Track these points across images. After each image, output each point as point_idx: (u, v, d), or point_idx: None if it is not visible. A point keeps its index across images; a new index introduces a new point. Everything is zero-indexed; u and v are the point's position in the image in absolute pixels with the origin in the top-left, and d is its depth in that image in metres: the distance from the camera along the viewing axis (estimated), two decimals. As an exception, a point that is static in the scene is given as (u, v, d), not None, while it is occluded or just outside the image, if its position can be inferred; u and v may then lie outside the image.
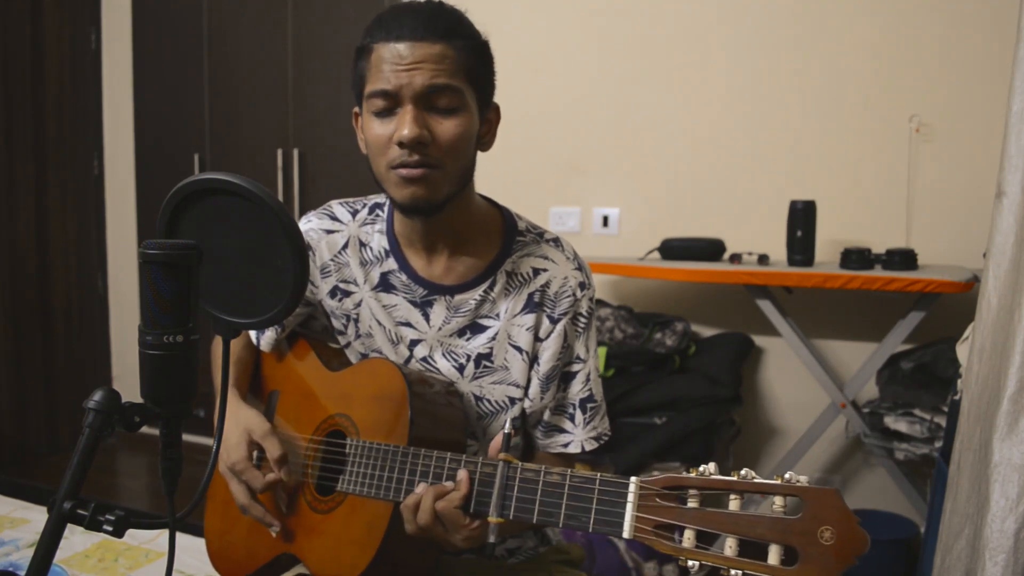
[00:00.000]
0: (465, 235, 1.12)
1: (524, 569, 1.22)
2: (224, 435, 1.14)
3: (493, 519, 0.89)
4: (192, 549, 1.69)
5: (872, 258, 2.22)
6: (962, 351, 1.48)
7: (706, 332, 2.68)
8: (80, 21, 3.64)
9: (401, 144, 0.99)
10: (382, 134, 1.02)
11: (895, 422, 2.21)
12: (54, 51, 3.54)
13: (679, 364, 2.47)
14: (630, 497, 0.80)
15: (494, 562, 1.21)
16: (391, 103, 1.01)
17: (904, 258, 2.18)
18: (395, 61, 0.99)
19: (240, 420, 1.14)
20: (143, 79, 3.67)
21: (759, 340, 2.64)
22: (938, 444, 2.11)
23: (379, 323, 1.16)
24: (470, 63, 1.03)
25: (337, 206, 1.21)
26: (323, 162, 3.33)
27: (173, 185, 0.75)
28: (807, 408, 2.53)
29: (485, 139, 1.10)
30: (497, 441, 0.94)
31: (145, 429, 0.72)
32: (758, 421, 2.68)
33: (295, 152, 3.34)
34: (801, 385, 2.57)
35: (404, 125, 0.99)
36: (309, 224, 1.19)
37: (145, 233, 3.72)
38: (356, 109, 1.10)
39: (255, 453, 1.13)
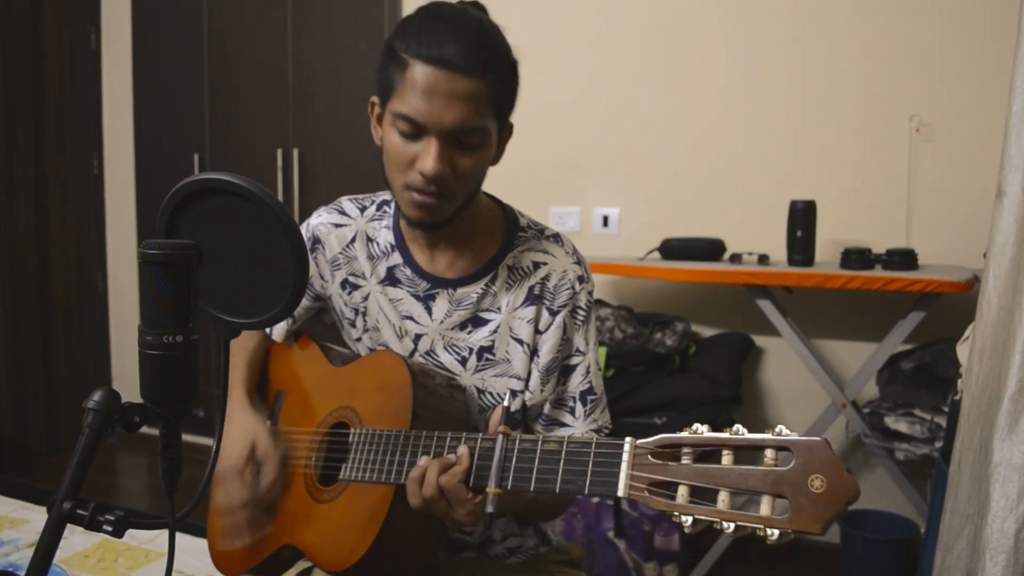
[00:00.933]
0: (468, 231, 1.14)
1: (524, 569, 1.22)
2: (228, 437, 1.15)
3: (492, 490, 0.89)
4: (192, 549, 1.69)
5: (872, 258, 2.22)
6: (962, 351, 1.48)
7: (706, 332, 2.68)
8: (80, 21, 3.64)
9: (422, 174, 1.00)
10: (404, 154, 1.02)
11: (895, 422, 2.21)
12: (54, 51, 3.54)
13: (679, 364, 2.47)
14: (625, 456, 0.81)
15: (494, 562, 1.22)
16: (417, 131, 1.00)
17: (904, 258, 2.18)
18: (429, 90, 0.97)
19: (248, 431, 1.15)
20: (143, 79, 3.67)
21: (759, 340, 2.64)
22: (938, 444, 2.11)
23: (386, 317, 1.17)
24: (499, 95, 1.02)
25: (346, 202, 1.23)
26: (323, 162, 3.33)
27: (173, 185, 0.75)
28: (807, 408, 2.53)
29: (496, 157, 1.12)
30: (497, 415, 0.95)
31: (145, 429, 0.72)
32: (758, 421, 2.68)
33: (295, 152, 3.34)
34: (801, 385, 2.57)
35: (428, 158, 0.99)
36: (319, 219, 1.22)
37: (145, 233, 3.72)
38: (374, 99, 1.08)
39: (250, 468, 1.14)
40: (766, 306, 2.32)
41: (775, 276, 2.25)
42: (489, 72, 0.99)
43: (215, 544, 1.25)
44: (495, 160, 1.12)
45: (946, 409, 2.11)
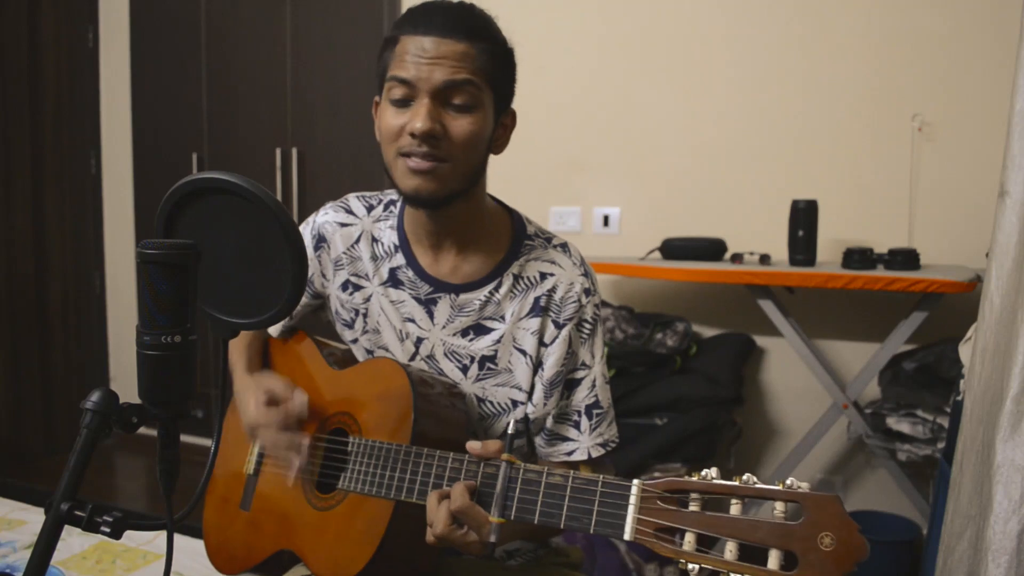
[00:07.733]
0: (472, 234, 1.13)
1: (524, 571, 1.21)
2: (241, 399, 1.15)
3: (494, 519, 0.89)
4: (190, 551, 1.68)
5: (874, 258, 2.21)
6: (965, 351, 1.48)
7: (707, 332, 2.68)
8: (77, 19, 3.63)
9: (413, 135, 1.01)
10: (396, 123, 1.03)
11: (897, 423, 2.20)
12: (51, 49, 3.53)
13: (680, 364, 2.46)
14: (632, 499, 0.80)
15: (495, 563, 1.21)
16: (409, 93, 1.02)
17: (906, 258, 2.18)
18: (418, 53, 1.01)
19: (257, 384, 1.14)
20: (141, 77, 3.67)
21: (761, 340, 2.63)
22: (940, 445, 2.11)
23: (387, 319, 1.16)
24: (490, 65, 1.04)
25: (354, 199, 1.22)
26: (322, 161, 3.32)
27: (171, 184, 0.75)
28: (809, 409, 2.52)
29: (498, 143, 1.11)
30: (491, 445, 0.94)
31: (143, 430, 0.72)
32: (760, 422, 2.68)
33: (294, 151, 3.34)
34: (803, 386, 2.57)
35: (418, 117, 1.01)
36: (326, 217, 1.21)
37: (143, 232, 3.71)
38: (377, 98, 1.10)
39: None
40: (767, 306, 2.31)
41: (777, 276, 2.25)
42: (477, 39, 1.03)
43: (210, 539, 1.24)
44: (498, 147, 1.12)
45: (948, 410, 2.10)
